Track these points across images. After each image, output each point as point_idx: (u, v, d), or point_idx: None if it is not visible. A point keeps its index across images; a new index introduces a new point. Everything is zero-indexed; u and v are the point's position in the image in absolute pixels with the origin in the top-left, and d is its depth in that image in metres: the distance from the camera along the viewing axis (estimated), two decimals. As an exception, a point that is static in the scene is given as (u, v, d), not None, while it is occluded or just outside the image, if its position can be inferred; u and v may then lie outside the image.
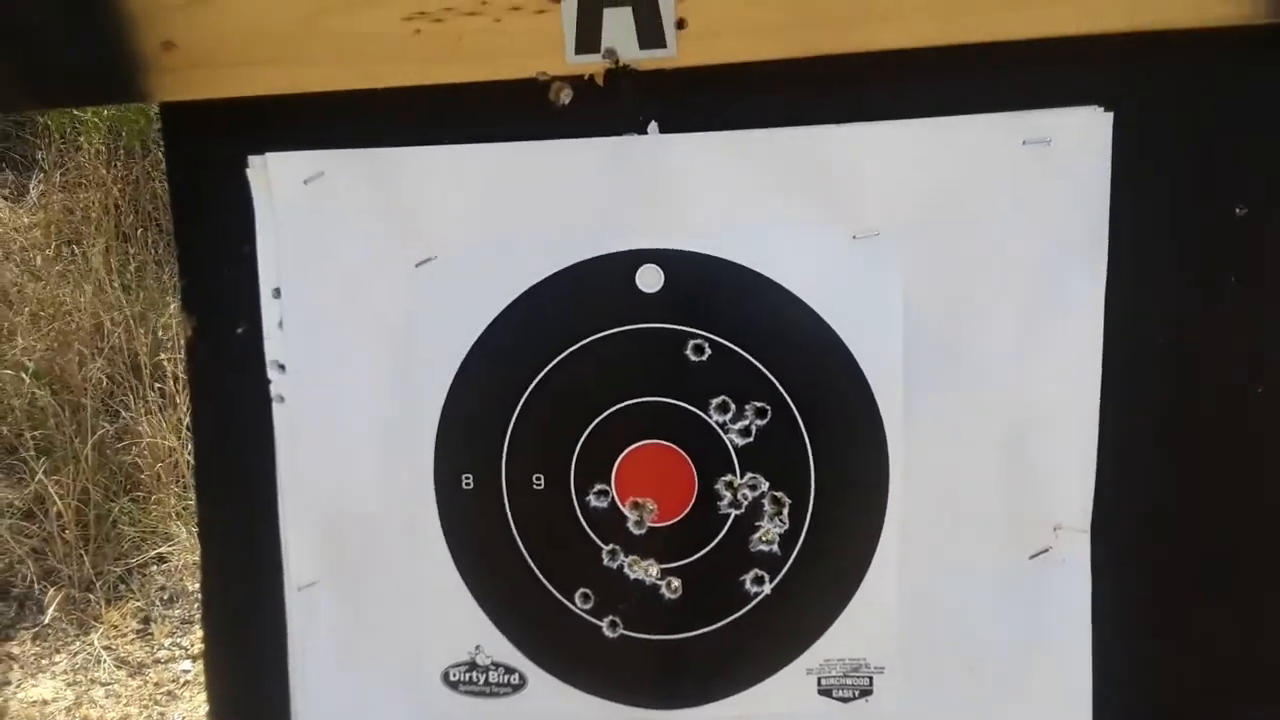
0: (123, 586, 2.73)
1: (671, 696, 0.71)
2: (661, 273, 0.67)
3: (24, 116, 3.42)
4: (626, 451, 0.69)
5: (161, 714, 2.41)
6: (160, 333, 3.02)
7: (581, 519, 0.70)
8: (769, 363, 0.67)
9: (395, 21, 0.64)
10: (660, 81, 0.64)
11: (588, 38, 0.63)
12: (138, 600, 2.69)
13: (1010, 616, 0.67)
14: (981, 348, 0.65)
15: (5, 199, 3.49)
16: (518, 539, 0.71)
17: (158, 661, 2.55)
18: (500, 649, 0.72)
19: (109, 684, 2.48)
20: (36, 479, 2.74)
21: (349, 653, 0.74)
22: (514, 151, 0.67)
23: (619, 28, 0.63)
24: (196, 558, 0.80)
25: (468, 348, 0.70)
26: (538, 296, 0.68)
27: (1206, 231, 0.63)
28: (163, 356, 2.92)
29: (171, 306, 2.99)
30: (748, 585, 0.69)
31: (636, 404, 0.68)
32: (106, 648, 2.57)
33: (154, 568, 2.77)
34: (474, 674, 0.73)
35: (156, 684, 2.49)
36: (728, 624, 0.69)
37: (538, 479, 0.70)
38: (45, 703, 2.42)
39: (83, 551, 2.71)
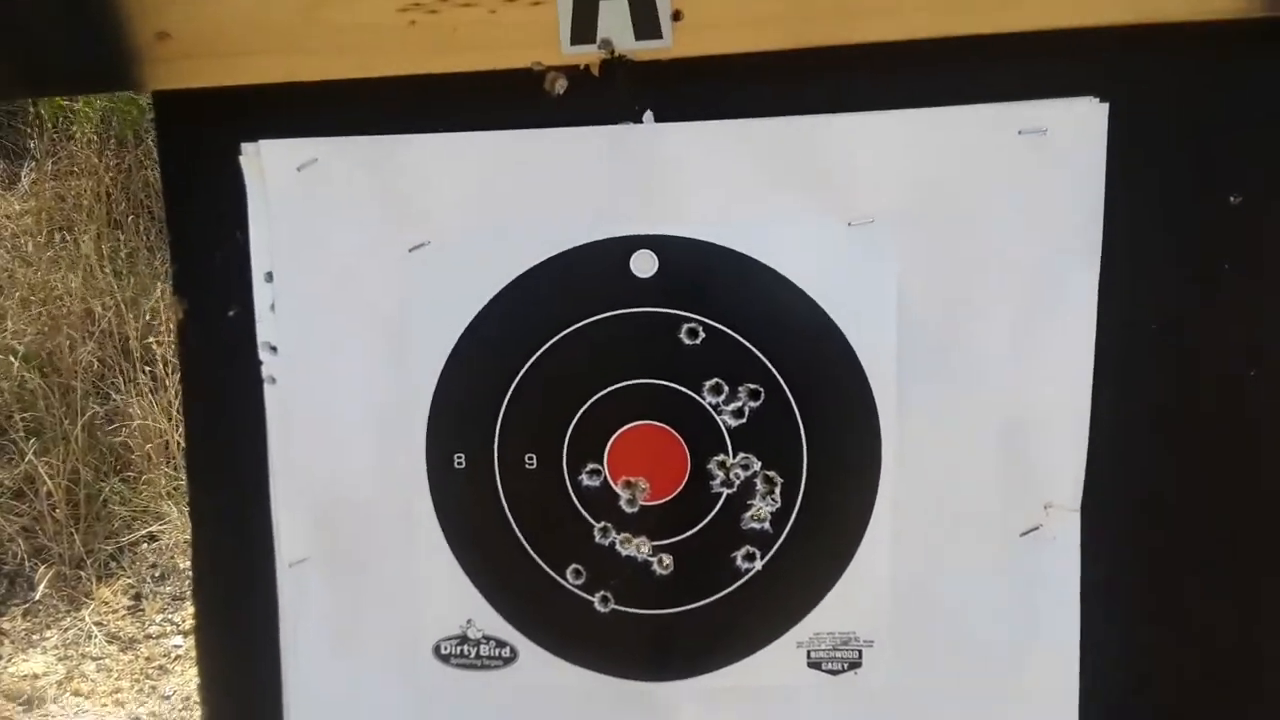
0: (114, 564, 2.73)
1: (662, 669, 0.72)
2: (656, 258, 0.68)
3: (16, 106, 3.39)
4: (619, 432, 0.69)
5: (153, 688, 2.42)
6: (150, 317, 3.01)
7: (574, 497, 0.70)
8: (763, 346, 0.67)
9: (390, 12, 0.64)
10: (656, 72, 0.64)
11: (583, 28, 0.63)
12: (129, 577, 2.69)
13: (1000, 594, 0.68)
14: (975, 333, 0.66)
15: (-2, 186, 3.46)
16: (509, 517, 0.71)
17: (149, 637, 2.56)
18: (491, 623, 0.73)
19: (100, 658, 2.49)
20: (26, 459, 2.73)
21: (340, 628, 0.75)
22: (509, 139, 0.67)
23: (615, 18, 0.63)
24: (188, 536, 0.80)
25: (461, 331, 0.70)
26: (531, 281, 0.69)
27: (1201, 221, 0.63)
28: (153, 340, 2.91)
29: (159, 290, 2.98)
30: (739, 562, 0.70)
31: (630, 386, 0.69)
32: (98, 623, 2.57)
33: (145, 546, 2.77)
34: (465, 647, 0.73)
35: (148, 658, 2.49)
36: (719, 599, 0.70)
37: (530, 458, 0.71)
38: (36, 676, 2.42)
39: (73, 530, 2.71)
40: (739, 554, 0.70)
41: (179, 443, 2.76)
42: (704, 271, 0.67)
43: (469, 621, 0.73)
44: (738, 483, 0.69)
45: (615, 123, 0.66)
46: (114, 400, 2.90)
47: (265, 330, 0.73)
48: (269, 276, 0.72)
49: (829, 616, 0.70)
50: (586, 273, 0.68)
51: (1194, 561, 0.66)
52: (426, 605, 0.73)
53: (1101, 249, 0.64)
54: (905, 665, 0.70)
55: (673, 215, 0.67)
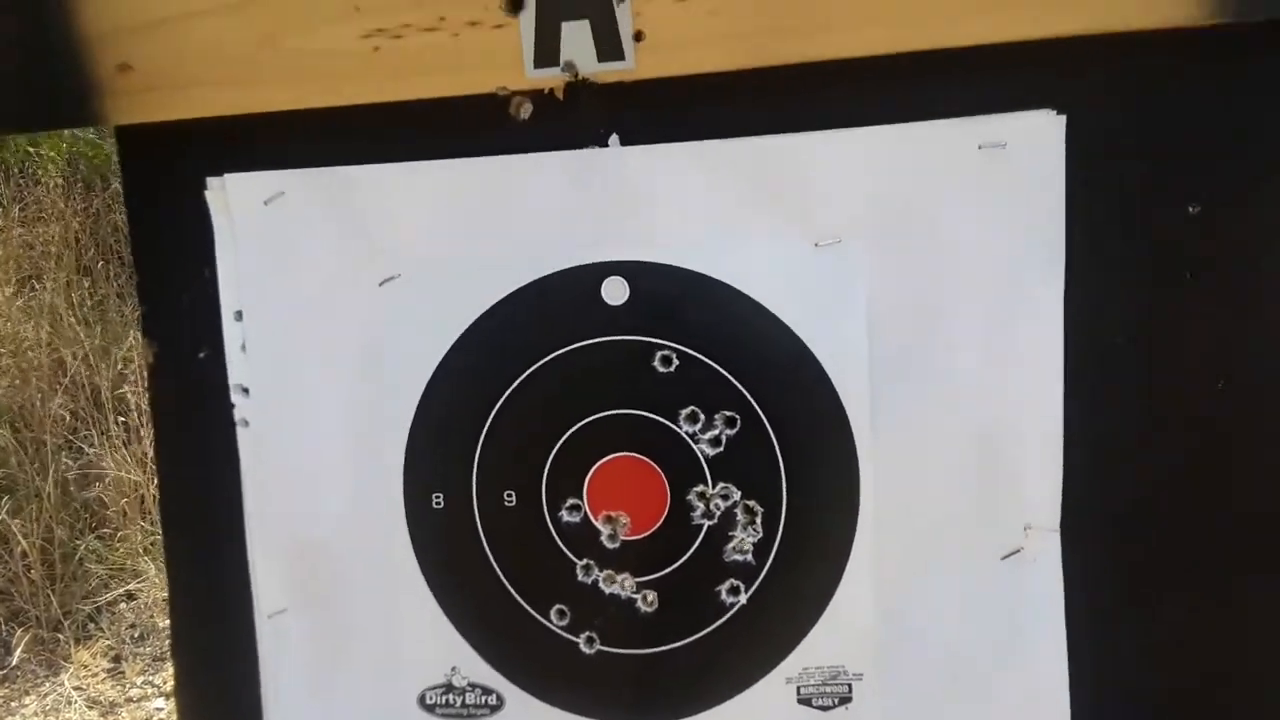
0: (92, 625, 2.69)
1: (651, 711, 0.71)
2: (627, 284, 0.67)
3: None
4: (597, 465, 0.69)
5: (135, 754, 2.38)
6: (122, 366, 2.99)
7: (554, 534, 0.69)
8: (736, 372, 0.67)
9: (353, 39, 0.64)
10: (620, 94, 0.64)
11: (546, 51, 0.63)
12: (108, 639, 2.65)
13: (985, 618, 0.67)
14: (946, 350, 0.65)
15: (-38, 236, 3.45)
16: (490, 557, 0.70)
17: (130, 700, 2.52)
18: (477, 669, 0.72)
19: (80, 725, 2.44)
20: (-1, 518, 2.69)
21: (322, 680, 0.74)
22: (475, 167, 0.67)
23: (577, 41, 0.63)
24: (166, 594, 0.79)
25: (434, 366, 0.69)
26: (503, 312, 0.68)
27: (1161, 230, 0.63)
28: (125, 389, 2.89)
29: (131, 338, 2.97)
30: (724, 596, 0.69)
31: (606, 417, 0.68)
32: (77, 688, 2.53)
33: (123, 605, 2.73)
34: (451, 696, 0.72)
35: (130, 723, 2.45)
36: (705, 635, 0.69)
37: (509, 496, 0.70)
38: (16, 746, 2.38)
39: (49, 591, 2.67)
40: (723, 588, 0.69)
41: (154, 496, 2.73)
42: (674, 297, 0.67)
43: (454, 669, 0.72)
44: (718, 514, 0.68)
45: (581, 146, 0.66)
46: (87, 454, 2.87)
47: (236, 372, 0.72)
48: (238, 315, 0.72)
49: (817, 650, 0.69)
50: (558, 301, 0.68)
51: (1176, 577, 0.66)
52: (410, 653, 0.72)
53: (1065, 261, 0.64)
54: (895, 697, 0.69)
55: (641, 240, 0.67)
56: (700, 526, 0.68)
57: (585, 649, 0.70)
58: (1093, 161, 0.63)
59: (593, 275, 0.67)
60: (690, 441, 0.67)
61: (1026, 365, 0.65)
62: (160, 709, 2.47)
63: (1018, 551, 0.67)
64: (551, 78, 0.64)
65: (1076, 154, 0.63)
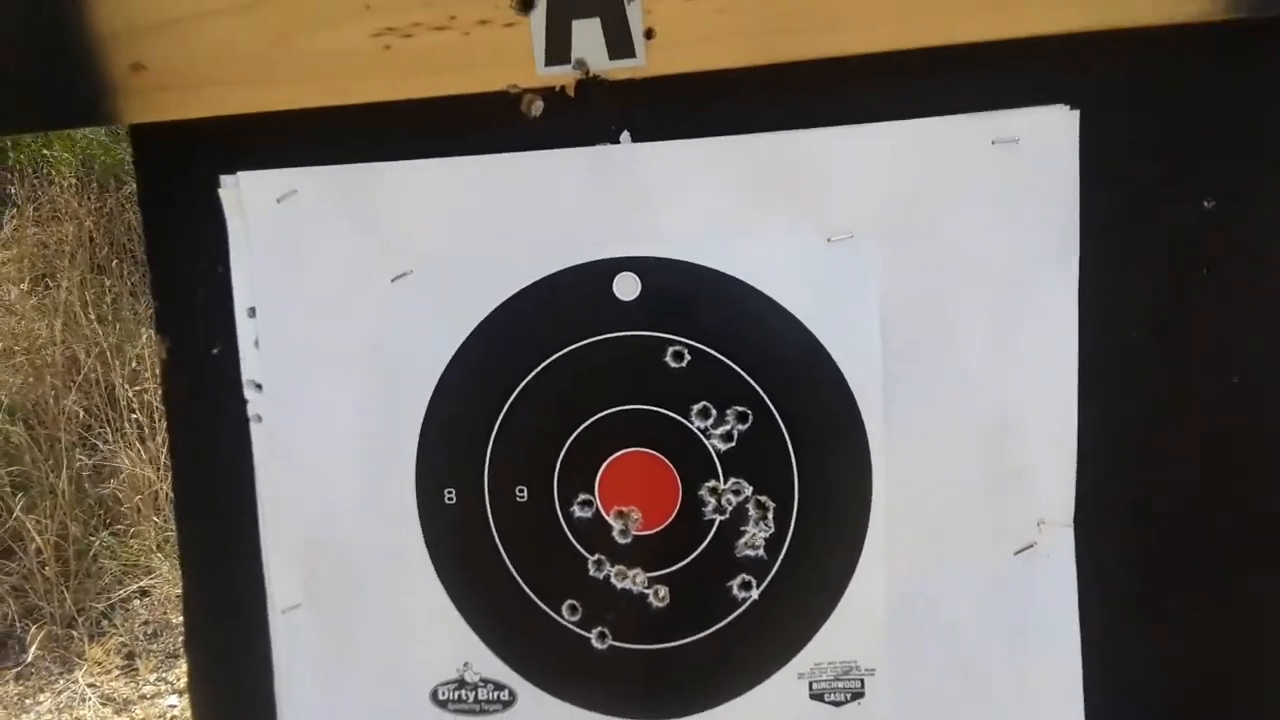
0: (105, 622, 2.70)
1: (663, 707, 0.71)
2: (638, 280, 0.67)
3: (-6, 149, 3.41)
4: (609, 460, 0.69)
5: (149, 751, 2.39)
6: (136, 364, 3.00)
7: (566, 530, 0.69)
8: (748, 367, 0.67)
9: (365, 38, 0.64)
10: (631, 91, 0.64)
11: (557, 49, 0.63)
12: (121, 635, 2.66)
13: (998, 613, 0.67)
14: (959, 346, 0.65)
15: (-24, 235, 3.47)
16: (502, 552, 0.70)
17: (143, 697, 2.53)
18: (489, 665, 0.72)
19: (94, 722, 2.45)
20: (14, 515, 2.70)
21: (335, 675, 0.74)
22: (486, 164, 0.67)
23: (588, 38, 0.63)
24: (179, 591, 0.79)
25: (446, 361, 0.69)
26: (515, 308, 0.68)
27: (1176, 225, 0.63)
28: (140, 387, 2.90)
29: (144, 336, 2.98)
30: (735, 591, 0.69)
31: (618, 412, 0.68)
32: (91, 685, 2.54)
33: (136, 602, 2.74)
34: (463, 692, 0.72)
35: (143, 720, 2.46)
36: (717, 630, 0.69)
37: (521, 491, 0.70)
38: (30, 743, 2.39)
39: (64, 588, 2.68)
40: (735, 583, 0.69)
41: (168, 493, 2.74)
42: (686, 292, 0.67)
43: (466, 664, 0.72)
44: (730, 509, 0.68)
45: (592, 143, 0.66)
46: (101, 451, 2.88)
47: (250, 368, 0.72)
48: (252, 312, 0.72)
49: (829, 645, 0.69)
50: (570, 297, 0.68)
51: (1190, 572, 0.66)
52: (422, 648, 0.72)
53: (1079, 256, 0.64)
54: (908, 693, 0.69)
55: (653, 236, 0.67)
56: (712, 522, 0.68)
57: (597, 644, 0.70)
58: (1106, 156, 0.63)
59: (604, 271, 0.67)
60: (702, 437, 0.67)
61: (1040, 360, 0.65)
62: (174, 705, 2.48)
63: (1031, 546, 0.66)
64: (563, 75, 0.64)
65: (1090, 149, 0.63)
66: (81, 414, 2.94)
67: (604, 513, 0.69)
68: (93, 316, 3.08)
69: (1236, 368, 0.64)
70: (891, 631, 0.68)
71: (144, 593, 2.75)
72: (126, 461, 2.80)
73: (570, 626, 0.70)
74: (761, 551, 0.68)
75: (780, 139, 0.64)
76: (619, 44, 0.62)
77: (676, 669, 0.70)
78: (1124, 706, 0.67)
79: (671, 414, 0.68)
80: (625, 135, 0.66)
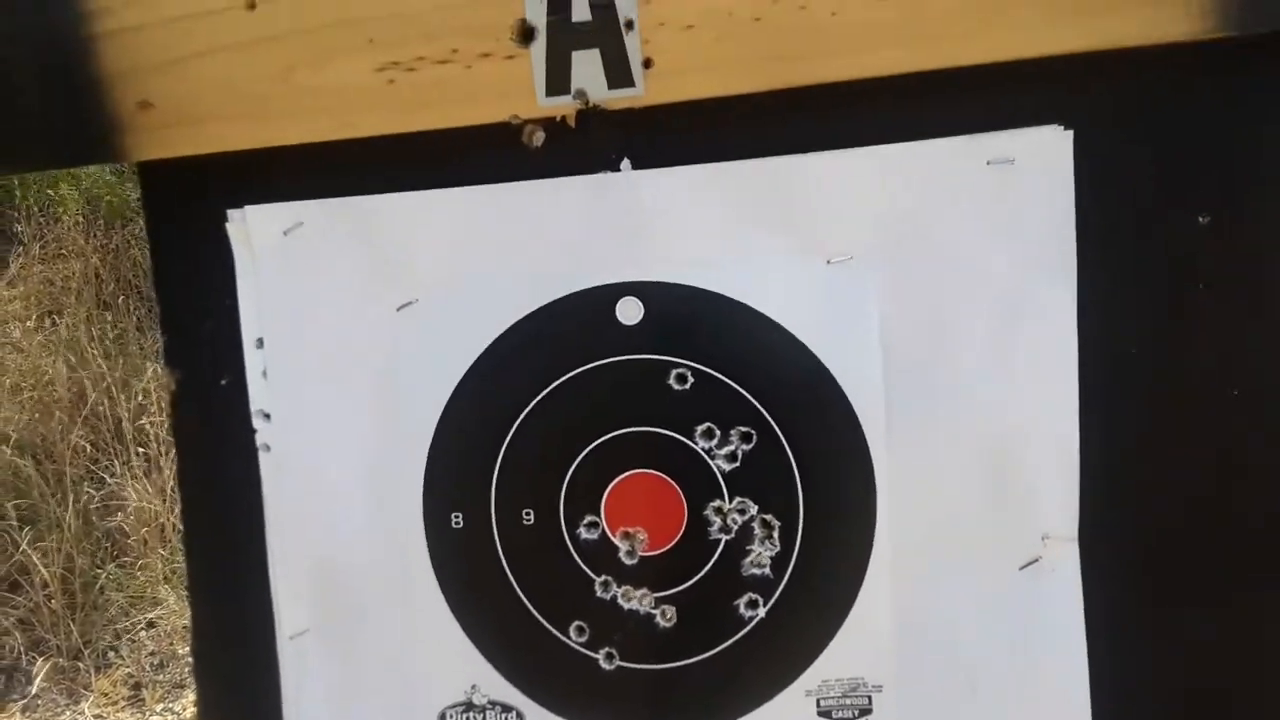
0: (112, 654, 2.69)
1: (671, 728, 0.71)
2: (641, 304, 0.68)
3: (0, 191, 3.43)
4: (615, 482, 0.69)
5: (157, 783, 2.38)
6: (142, 398, 3.01)
7: (573, 551, 0.70)
8: (751, 388, 0.68)
9: (368, 72, 0.65)
10: (630, 120, 0.65)
11: (558, 80, 0.64)
12: (128, 667, 2.66)
13: (1005, 628, 0.67)
14: (960, 365, 0.66)
15: (-15, 273, 3.49)
16: (510, 575, 0.71)
17: (150, 728, 2.52)
18: (497, 687, 0.72)
19: (102, 754, 2.44)
20: (21, 549, 2.71)
21: (344, 700, 0.74)
22: (490, 193, 0.68)
23: (588, 69, 0.64)
24: (186, 622, 0.80)
25: (452, 388, 0.70)
26: (519, 334, 0.69)
27: (1172, 241, 0.64)
28: (145, 420, 2.90)
29: (150, 371, 2.99)
30: (742, 610, 0.69)
31: (622, 435, 0.69)
32: (97, 716, 2.53)
33: (143, 633, 2.73)
34: (471, 714, 0.72)
35: (150, 752, 2.45)
36: (724, 650, 0.69)
37: (527, 514, 0.70)
38: (37, 776, 2.38)
39: (70, 620, 2.68)
40: (741, 601, 0.69)
41: (175, 525, 2.74)
42: (689, 316, 0.68)
43: (474, 687, 0.72)
44: (735, 528, 0.68)
45: (593, 172, 0.67)
46: (108, 484, 2.88)
47: (258, 398, 0.73)
48: (259, 343, 0.73)
49: (836, 662, 0.69)
50: (573, 322, 0.69)
51: (1195, 585, 0.66)
52: (430, 671, 0.72)
53: (1077, 274, 0.64)
54: (915, 709, 0.69)
55: (655, 260, 0.68)
56: (718, 541, 0.69)
57: (605, 665, 0.71)
58: (1101, 175, 0.63)
59: (607, 296, 0.68)
60: (706, 457, 0.68)
61: (1041, 377, 0.65)
62: (181, 735, 2.48)
63: (1036, 561, 0.67)
64: (563, 106, 0.65)
65: (1085, 168, 0.63)
66: (88, 448, 2.94)
67: (610, 534, 0.70)
68: (99, 352, 3.09)
69: (1236, 380, 0.64)
70: (898, 647, 0.68)
71: (151, 624, 2.74)
72: (133, 494, 2.80)
73: (578, 647, 0.71)
74: (767, 570, 0.69)
75: (778, 164, 0.65)
76: (618, 74, 0.64)
77: (684, 688, 0.70)
78: (1131, 718, 0.67)
79: (676, 435, 0.68)
80: (626, 163, 0.67)
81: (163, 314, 0.75)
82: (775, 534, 0.68)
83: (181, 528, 0.79)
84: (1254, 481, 0.65)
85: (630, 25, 0.63)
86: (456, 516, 0.71)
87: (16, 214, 3.50)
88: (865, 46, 0.61)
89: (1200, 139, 0.63)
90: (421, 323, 0.70)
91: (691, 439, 0.68)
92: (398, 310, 0.70)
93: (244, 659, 0.75)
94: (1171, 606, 0.66)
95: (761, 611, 0.69)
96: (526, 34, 0.64)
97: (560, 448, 0.70)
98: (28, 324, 3.24)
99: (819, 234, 0.66)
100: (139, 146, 0.69)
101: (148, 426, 2.88)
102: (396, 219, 0.69)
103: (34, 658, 2.66)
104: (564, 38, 0.64)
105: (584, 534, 0.70)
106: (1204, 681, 0.67)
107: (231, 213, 0.71)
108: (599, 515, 0.70)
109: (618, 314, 0.68)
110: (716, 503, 0.68)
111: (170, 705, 2.57)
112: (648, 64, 0.63)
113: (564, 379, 0.69)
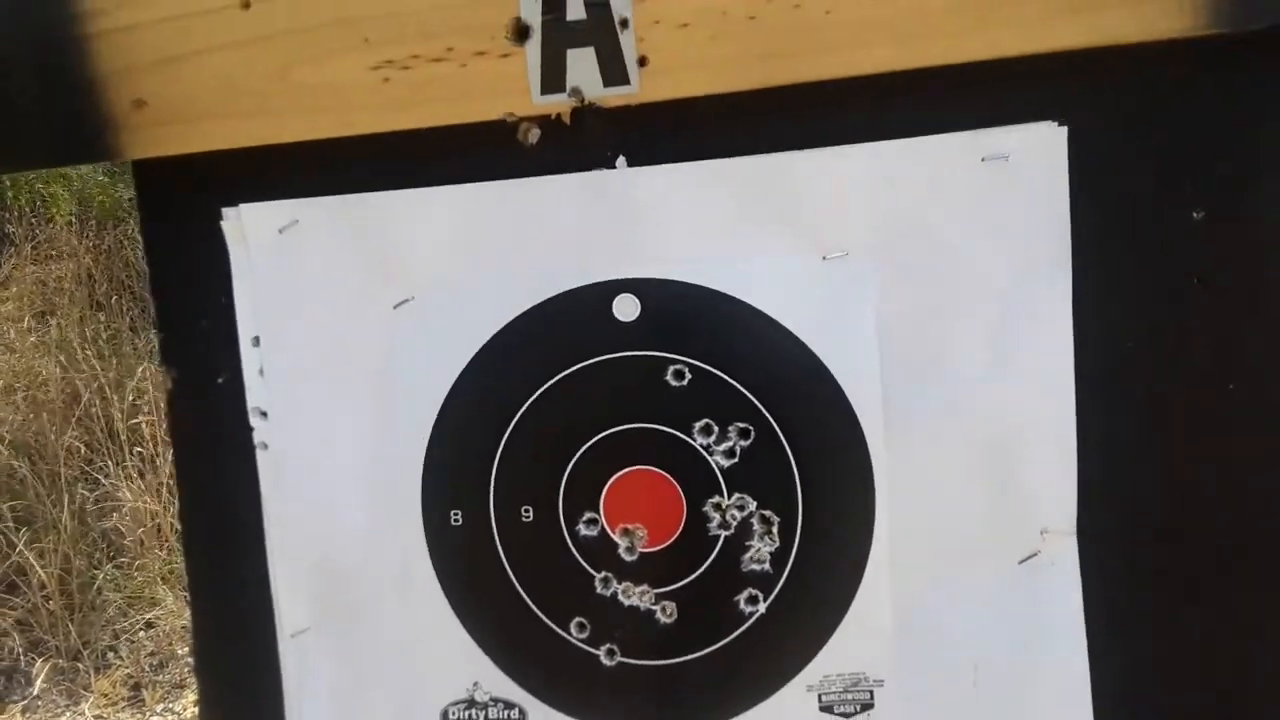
0: (111, 654, 2.69)
1: (673, 722, 0.71)
2: (638, 301, 0.68)
3: (-8, 189, 3.42)
4: (613, 479, 0.69)
5: (157, 783, 2.38)
6: (135, 398, 3.01)
7: (572, 548, 0.70)
8: (749, 384, 0.68)
9: (363, 70, 0.65)
10: (625, 117, 0.65)
11: (553, 78, 0.64)
12: (127, 667, 2.66)
13: (1005, 622, 0.67)
14: (957, 360, 0.66)
15: (-25, 275, 3.48)
16: (509, 572, 0.71)
17: (150, 729, 2.52)
18: (498, 684, 0.72)
19: (102, 755, 2.44)
20: (18, 550, 2.70)
21: (345, 698, 0.74)
22: (485, 191, 0.68)
23: (583, 67, 0.64)
24: (185, 621, 0.80)
25: (449, 386, 0.70)
26: (516, 332, 0.69)
27: (1167, 237, 0.64)
28: (139, 420, 2.90)
29: (143, 371, 2.98)
30: (742, 605, 0.69)
31: (620, 431, 0.69)
32: (98, 717, 2.53)
33: (142, 634, 2.73)
34: (473, 711, 0.72)
35: (150, 753, 2.45)
36: (725, 645, 0.70)
37: (526, 511, 0.70)
38: (38, 777, 2.38)
39: (69, 621, 2.68)
40: (741, 597, 0.69)
41: (172, 525, 2.74)
42: (685, 312, 0.68)
43: (475, 684, 0.72)
44: (735, 524, 0.68)
45: (589, 169, 0.67)
46: (103, 485, 2.88)
47: (255, 396, 0.73)
48: (256, 341, 0.73)
49: (837, 657, 0.69)
50: (570, 320, 0.69)
51: (1195, 579, 0.66)
52: (431, 669, 0.73)
53: (1072, 270, 0.64)
54: (917, 703, 0.69)
55: (651, 257, 0.68)
56: (717, 537, 0.69)
57: (606, 661, 0.71)
58: (1096, 171, 0.63)
59: (604, 293, 0.68)
60: (705, 453, 0.68)
61: (1037, 372, 0.65)
62: (181, 735, 2.48)
63: (1035, 555, 0.67)
64: (558, 103, 0.65)
65: (1079, 164, 0.63)
66: (82, 449, 2.94)
67: (609, 531, 0.70)
68: (92, 352, 3.08)
69: (1232, 375, 0.64)
70: (899, 642, 0.68)
71: (149, 624, 2.74)
72: (128, 495, 2.80)
73: (579, 644, 0.71)
74: (767, 566, 0.69)
75: (773, 160, 0.65)
76: (613, 72, 0.64)
77: (685, 684, 0.70)
78: (1132, 712, 0.68)
79: (674, 432, 0.68)
80: (621, 160, 0.67)
81: (158, 312, 0.75)
82: (774, 530, 0.68)
83: (179, 527, 0.79)
84: (1250, 474, 0.65)
85: (625, 23, 0.63)
86: (455, 514, 0.71)
87: (8, 215, 3.50)
88: (859, 44, 0.61)
89: (1195, 135, 0.63)
90: (418, 320, 0.70)
91: (690, 435, 0.68)
92: (394, 308, 0.70)
93: (245, 658, 0.75)
94: (1170, 599, 0.66)
95: (762, 607, 0.69)
96: (521, 32, 0.64)
97: (558, 444, 0.70)
98: (21, 325, 3.24)
99: (814, 231, 0.66)
100: (134, 145, 0.69)
101: (142, 427, 2.88)
102: (392, 217, 0.69)
103: (33, 659, 2.66)
104: (559, 36, 0.64)
105: (583, 531, 0.70)
106: (1204, 673, 0.67)
107: (227, 211, 0.71)
108: (598, 512, 0.70)
109: (614, 311, 0.68)
110: (715, 499, 0.68)
111: (170, 705, 2.57)
112: (643, 62, 0.63)
113: (561, 376, 0.69)
